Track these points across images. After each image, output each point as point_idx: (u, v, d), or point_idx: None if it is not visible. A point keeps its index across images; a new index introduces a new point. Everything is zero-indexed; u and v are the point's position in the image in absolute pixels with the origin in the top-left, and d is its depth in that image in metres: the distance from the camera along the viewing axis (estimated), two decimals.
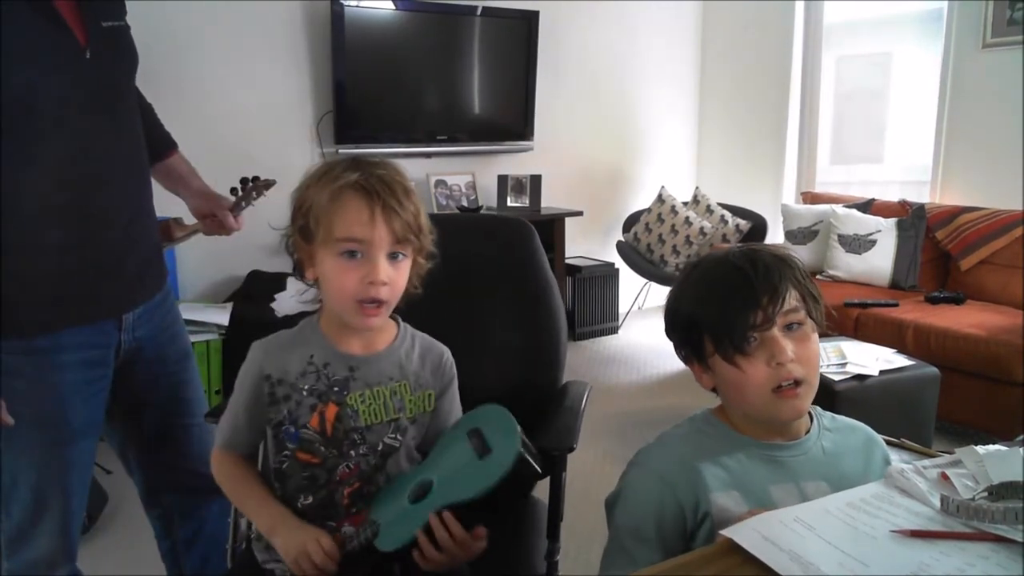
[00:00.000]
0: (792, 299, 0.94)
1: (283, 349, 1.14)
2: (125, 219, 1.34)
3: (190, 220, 1.62)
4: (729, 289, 0.95)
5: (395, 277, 1.08)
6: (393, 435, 1.14)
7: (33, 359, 1.26)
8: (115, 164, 1.32)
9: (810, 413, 1.02)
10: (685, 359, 1.02)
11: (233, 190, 1.57)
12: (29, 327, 1.25)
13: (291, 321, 1.21)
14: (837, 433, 1.02)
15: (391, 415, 1.14)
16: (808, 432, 1.00)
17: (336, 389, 1.12)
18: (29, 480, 1.29)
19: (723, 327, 0.94)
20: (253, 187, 1.57)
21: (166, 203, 1.58)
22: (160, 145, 1.56)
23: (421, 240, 1.11)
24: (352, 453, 1.12)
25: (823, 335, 2.96)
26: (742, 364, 0.94)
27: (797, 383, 0.93)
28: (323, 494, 1.12)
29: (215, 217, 1.55)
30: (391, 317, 1.18)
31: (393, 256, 1.08)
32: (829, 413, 1.05)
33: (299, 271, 1.13)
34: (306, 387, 1.11)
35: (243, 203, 1.56)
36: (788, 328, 0.94)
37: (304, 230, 1.09)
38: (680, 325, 1.01)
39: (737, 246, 1.00)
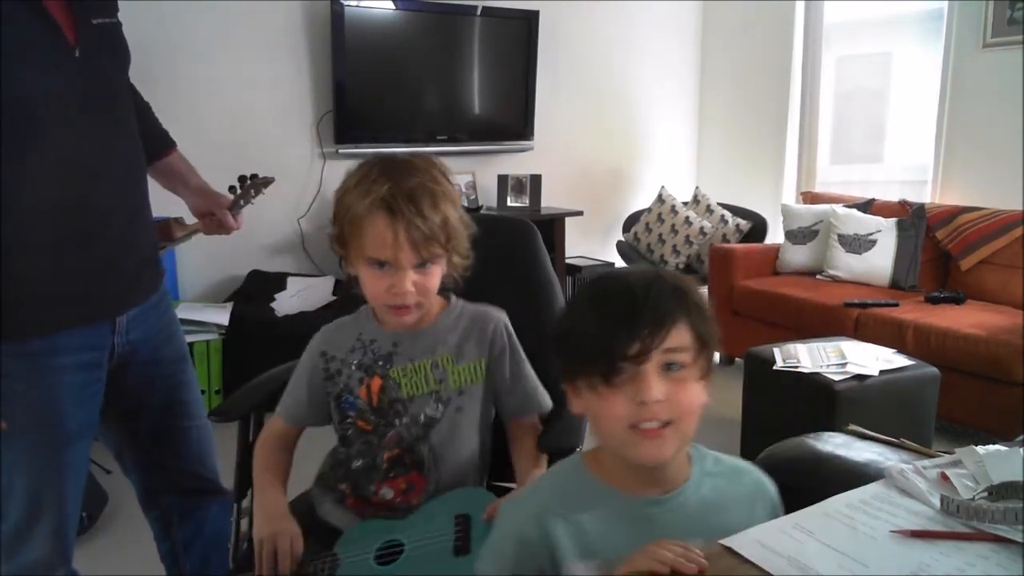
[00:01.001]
0: (680, 337, 0.83)
1: (339, 330, 1.25)
2: (122, 219, 1.33)
3: (190, 219, 1.62)
4: (613, 309, 0.84)
5: (423, 282, 1.14)
6: (435, 405, 1.20)
7: (29, 361, 1.25)
8: (111, 163, 1.30)
9: (690, 455, 0.92)
10: (561, 375, 0.90)
11: (232, 188, 1.55)
12: (26, 328, 1.24)
13: (292, 320, 1.24)
14: (721, 478, 0.91)
15: (432, 387, 1.20)
16: (687, 481, 0.89)
17: (380, 363, 1.20)
18: (25, 483, 1.28)
19: (595, 349, 0.83)
20: (252, 185, 1.55)
21: (165, 203, 1.58)
22: (158, 143, 1.54)
23: (450, 245, 1.15)
24: (396, 422, 1.19)
25: (818, 336, 2.93)
26: (605, 393, 0.83)
27: (664, 424, 0.83)
28: (370, 458, 1.20)
29: (214, 216, 1.53)
30: (441, 294, 1.24)
31: (421, 265, 1.13)
32: (714, 453, 0.94)
33: (342, 266, 1.21)
34: (355, 362, 1.21)
35: (242, 201, 1.55)
36: (667, 367, 0.83)
37: (340, 237, 1.16)
38: (562, 335, 0.89)
39: (650, 268, 0.91)
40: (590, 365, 0.84)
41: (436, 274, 1.16)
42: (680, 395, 0.83)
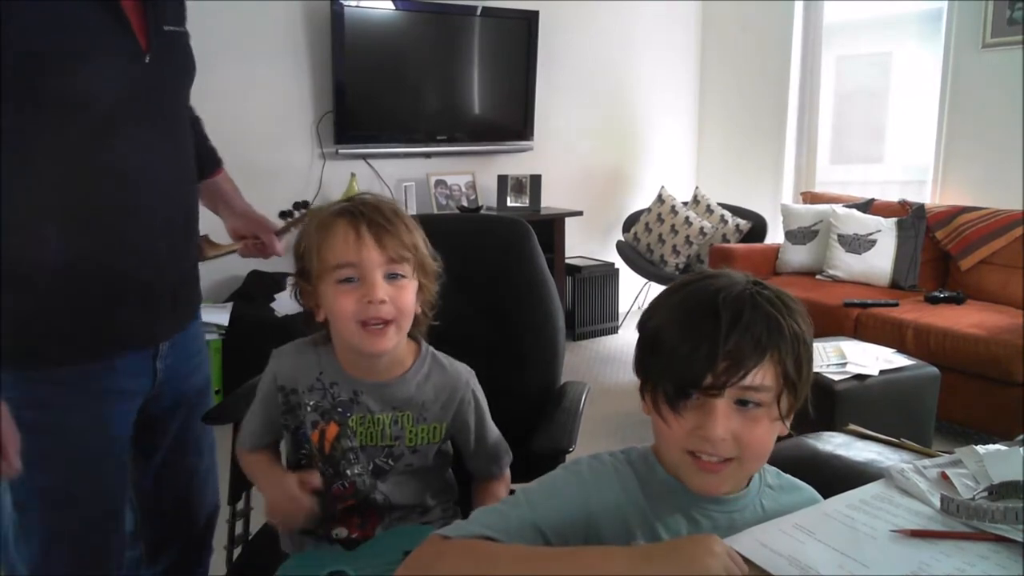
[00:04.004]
0: (761, 378, 0.76)
1: (296, 360, 1.17)
2: (172, 240, 1.25)
3: (222, 239, 1.53)
4: (693, 331, 0.76)
5: (396, 295, 1.07)
6: (384, 459, 1.15)
7: (65, 391, 1.15)
8: (166, 179, 1.23)
9: None
10: (636, 371, 0.86)
11: (284, 215, 1.51)
12: (64, 356, 1.15)
13: (292, 320, 1.22)
14: (780, 492, 0.89)
15: (386, 441, 1.15)
16: (747, 487, 0.86)
17: (339, 410, 1.14)
18: (48, 520, 1.19)
19: (667, 369, 0.78)
20: (308, 215, 1.44)
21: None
22: (206, 162, 1.48)
23: (419, 257, 1.11)
24: (348, 472, 1.14)
25: (818, 336, 2.92)
26: (668, 417, 0.79)
27: (726, 459, 0.78)
28: (323, 500, 1.15)
29: (256, 239, 1.47)
30: (413, 338, 1.18)
31: (392, 277, 1.08)
32: (775, 469, 0.91)
33: (309, 320, 1.14)
34: (311, 403, 1.14)
35: (291, 228, 1.48)
36: (741, 403, 0.77)
37: (303, 272, 1.11)
38: (644, 334, 0.84)
39: (749, 279, 0.81)
40: (659, 382, 0.79)
41: (409, 290, 1.09)
42: (748, 434, 0.77)
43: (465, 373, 1.20)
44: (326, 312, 1.10)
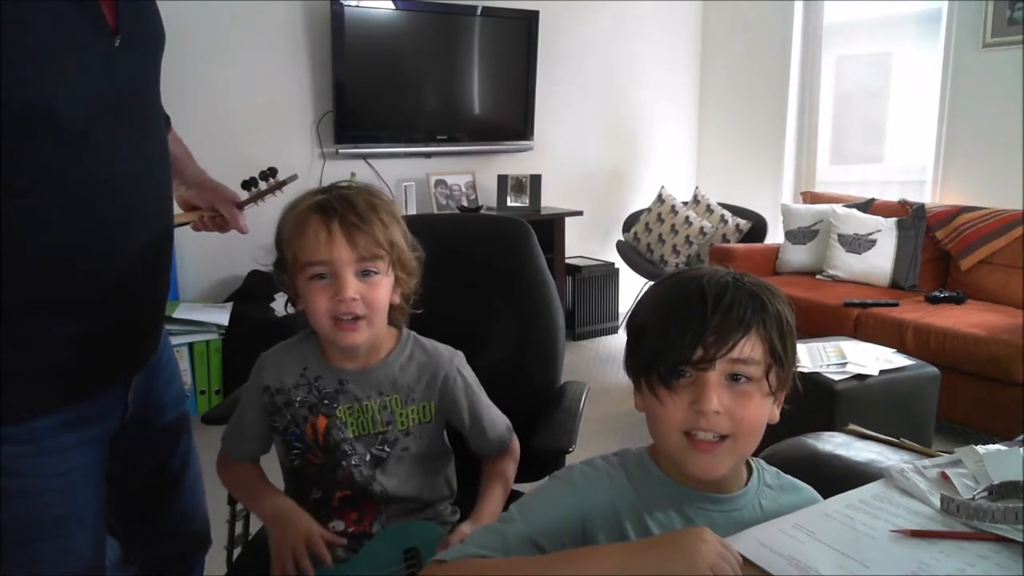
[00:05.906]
0: (749, 350, 0.79)
1: (281, 360, 1.18)
2: (154, 254, 1.09)
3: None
4: (681, 313, 0.81)
5: (368, 292, 1.08)
6: (380, 447, 1.16)
7: (35, 447, 0.99)
8: (145, 187, 1.06)
9: (751, 465, 0.90)
10: (626, 370, 0.88)
11: (247, 184, 1.36)
12: (33, 406, 0.98)
13: (292, 320, 1.22)
14: (780, 492, 0.89)
15: (378, 428, 1.15)
16: (746, 486, 0.87)
17: (326, 402, 1.15)
18: None
19: (658, 350, 0.81)
20: (275, 185, 1.37)
21: None
22: None
23: (394, 254, 1.11)
24: (344, 463, 1.15)
25: (818, 336, 2.91)
26: (663, 396, 0.81)
27: (722, 437, 0.80)
28: (326, 490, 1.16)
29: (215, 212, 1.31)
30: (395, 325, 1.19)
31: (364, 273, 1.08)
32: (774, 469, 0.92)
33: (292, 303, 1.16)
34: (299, 399, 1.15)
35: (256, 201, 1.37)
36: (733, 378, 0.80)
37: (280, 262, 1.11)
38: (631, 331, 0.87)
39: (727, 271, 0.85)
40: (652, 365, 0.81)
41: (382, 286, 1.10)
42: (741, 410, 0.80)
43: (447, 352, 1.21)
44: (303, 304, 1.12)
